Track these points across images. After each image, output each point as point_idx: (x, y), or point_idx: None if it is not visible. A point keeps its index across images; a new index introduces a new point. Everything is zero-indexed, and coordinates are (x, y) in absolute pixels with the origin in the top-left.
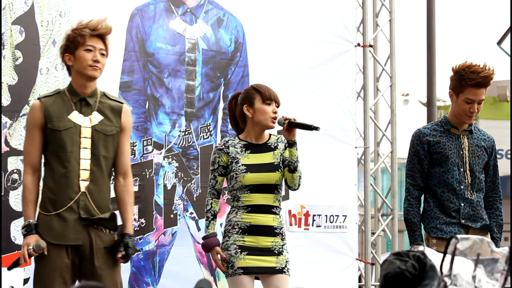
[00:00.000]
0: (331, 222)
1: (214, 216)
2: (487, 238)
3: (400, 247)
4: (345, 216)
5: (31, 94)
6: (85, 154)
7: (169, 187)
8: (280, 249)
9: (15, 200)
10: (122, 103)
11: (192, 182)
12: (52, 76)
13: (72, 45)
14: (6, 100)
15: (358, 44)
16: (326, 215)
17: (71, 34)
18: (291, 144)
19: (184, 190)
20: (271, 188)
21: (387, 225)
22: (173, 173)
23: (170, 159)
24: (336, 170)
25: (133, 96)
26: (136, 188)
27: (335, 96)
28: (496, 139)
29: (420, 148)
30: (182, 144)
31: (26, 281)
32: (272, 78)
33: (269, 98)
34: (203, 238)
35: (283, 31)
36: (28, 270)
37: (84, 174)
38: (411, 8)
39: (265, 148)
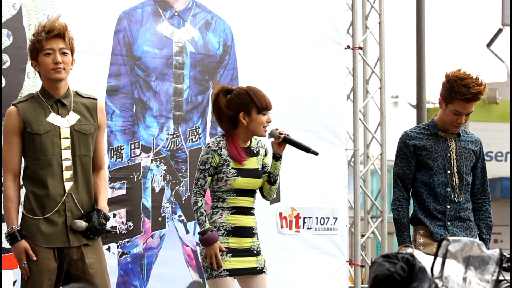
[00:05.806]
0: (321, 224)
1: (207, 213)
2: (478, 240)
3: (389, 249)
4: (336, 218)
5: (18, 97)
6: (67, 155)
7: (157, 190)
8: (258, 249)
9: None
10: (95, 99)
11: (181, 185)
12: (39, 80)
13: (34, 52)
14: None
15: (348, 47)
16: (316, 217)
17: (31, 40)
18: (277, 157)
19: (173, 193)
20: (253, 192)
21: (376, 227)
22: (161, 176)
23: (158, 162)
24: (327, 172)
25: (120, 100)
26: (123, 191)
27: (326, 98)
28: (485, 142)
29: (407, 151)
30: (170, 147)
31: (14, 283)
32: (262, 81)
33: (265, 108)
34: (201, 233)
35: (272, 34)
36: (17, 273)
37: (67, 175)
38: (401, 11)
39: (250, 152)
